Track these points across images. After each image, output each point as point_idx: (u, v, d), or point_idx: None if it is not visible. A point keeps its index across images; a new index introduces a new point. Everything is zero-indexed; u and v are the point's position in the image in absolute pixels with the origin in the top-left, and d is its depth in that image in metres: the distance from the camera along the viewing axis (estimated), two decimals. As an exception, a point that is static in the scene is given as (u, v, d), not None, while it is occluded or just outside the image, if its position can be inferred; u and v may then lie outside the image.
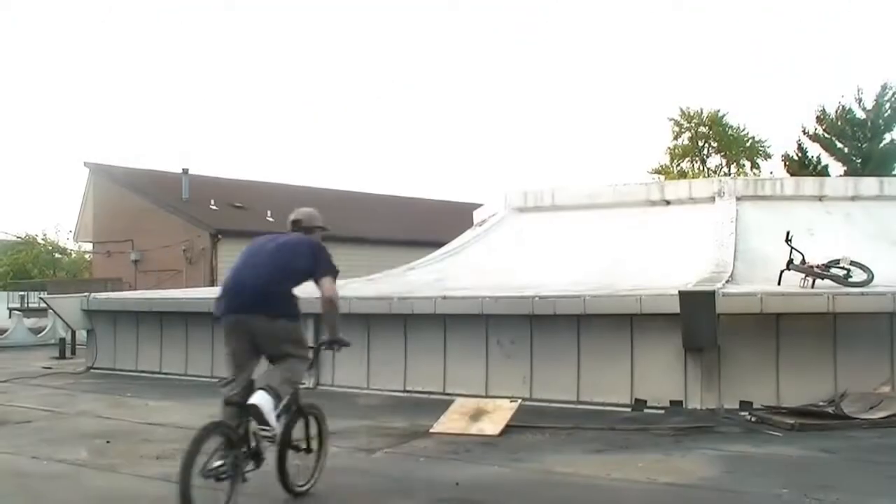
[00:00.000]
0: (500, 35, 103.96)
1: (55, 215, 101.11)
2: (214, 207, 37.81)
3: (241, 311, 7.39)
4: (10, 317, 34.19)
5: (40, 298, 29.12)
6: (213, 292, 21.24)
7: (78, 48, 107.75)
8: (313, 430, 8.08)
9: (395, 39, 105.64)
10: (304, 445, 7.82)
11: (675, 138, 57.53)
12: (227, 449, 6.73)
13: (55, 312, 22.34)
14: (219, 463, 6.61)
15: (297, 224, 8.18)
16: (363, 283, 18.84)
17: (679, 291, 11.83)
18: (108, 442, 10.66)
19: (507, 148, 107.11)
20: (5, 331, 29.27)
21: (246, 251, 7.86)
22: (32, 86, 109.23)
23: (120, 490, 8.48)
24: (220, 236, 35.46)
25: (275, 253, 7.67)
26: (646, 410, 12.46)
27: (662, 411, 12.27)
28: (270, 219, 37.66)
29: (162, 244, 35.93)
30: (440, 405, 12.19)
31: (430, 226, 37.87)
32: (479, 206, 24.13)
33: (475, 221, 23.01)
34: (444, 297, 14.36)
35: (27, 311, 35.84)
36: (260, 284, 7.41)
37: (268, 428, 7.09)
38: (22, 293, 41.71)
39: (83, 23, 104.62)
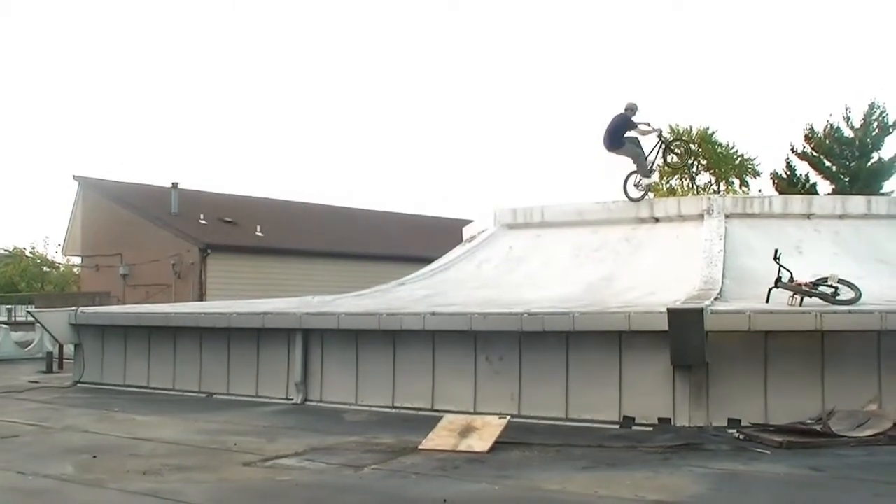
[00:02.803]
0: (489, 52, 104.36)
1: (44, 228, 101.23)
2: (204, 222, 37.78)
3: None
4: (-4, 330, 34.07)
5: (28, 312, 28.97)
6: (202, 307, 21.34)
7: (68, 61, 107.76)
8: None
9: (384, 55, 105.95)
10: None
11: (665, 155, 57.59)
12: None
13: (43, 326, 22.24)
14: None
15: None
16: (352, 299, 18.82)
17: (668, 309, 11.84)
18: (94, 457, 10.62)
19: (497, 164, 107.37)
20: (-8, 344, 29.11)
21: None
22: (22, 99, 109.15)
23: (106, 505, 8.45)
24: (209, 251, 35.45)
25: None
26: (634, 428, 12.44)
27: (651, 429, 12.25)
28: (260, 233, 37.68)
29: (151, 258, 35.89)
30: (428, 421, 12.18)
31: (420, 241, 37.89)
32: (469, 222, 24.12)
33: (465, 237, 22.98)
34: (433, 313, 14.34)
35: (14, 325, 35.69)
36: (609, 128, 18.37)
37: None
38: (9, 307, 41.59)
39: (73, 37, 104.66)
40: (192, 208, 38.02)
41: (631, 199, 18.80)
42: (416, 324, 14.34)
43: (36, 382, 20.47)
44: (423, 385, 14.38)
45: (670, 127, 56.23)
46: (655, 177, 19.04)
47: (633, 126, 18.49)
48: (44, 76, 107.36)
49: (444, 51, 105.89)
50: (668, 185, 56.93)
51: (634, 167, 18.71)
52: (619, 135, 18.37)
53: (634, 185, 18.73)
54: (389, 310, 15.26)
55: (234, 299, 24.33)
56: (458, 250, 21.82)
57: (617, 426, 12.59)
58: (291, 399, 15.77)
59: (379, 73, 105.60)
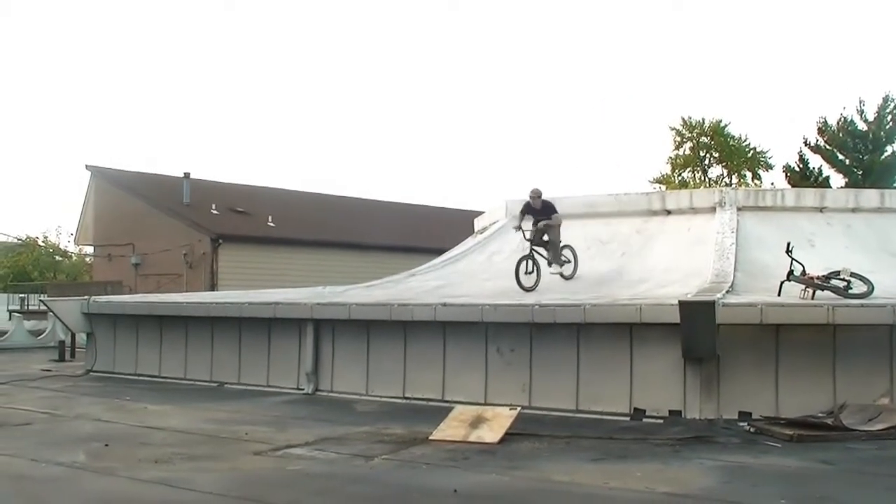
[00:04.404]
0: (501, 42, 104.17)
1: (56, 218, 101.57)
2: (215, 212, 37.82)
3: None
4: (10, 319, 34.34)
5: (41, 301, 29.11)
6: (214, 297, 21.38)
7: (80, 51, 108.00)
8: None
9: (396, 45, 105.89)
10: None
11: (677, 148, 57.49)
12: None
13: (55, 315, 22.37)
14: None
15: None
16: (363, 290, 18.86)
17: (679, 301, 11.83)
18: (106, 445, 10.68)
19: (509, 155, 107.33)
20: (5, 333, 29.30)
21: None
22: (35, 88, 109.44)
23: (117, 493, 8.50)
24: (220, 241, 35.47)
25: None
26: (644, 420, 12.45)
27: (661, 421, 12.26)
28: (271, 224, 37.70)
29: (162, 248, 35.93)
30: (439, 412, 12.20)
31: (431, 232, 37.90)
32: (480, 213, 24.14)
33: (476, 229, 23.03)
34: (444, 304, 14.36)
35: (27, 314, 35.88)
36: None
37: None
38: (22, 295, 41.73)
39: (85, 25, 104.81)
40: (203, 198, 38.06)
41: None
42: (427, 315, 14.37)
43: (48, 371, 20.57)
44: (434, 376, 14.41)
45: (683, 120, 56.33)
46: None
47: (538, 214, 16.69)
48: (57, 67, 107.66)
49: (455, 42, 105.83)
50: (679, 178, 56.91)
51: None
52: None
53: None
54: (400, 300, 15.28)
55: (245, 289, 24.39)
56: (469, 241, 21.87)
57: (627, 418, 12.60)
58: (302, 389, 15.81)
59: (391, 64, 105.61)
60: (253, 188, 42.78)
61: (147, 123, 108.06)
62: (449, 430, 11.20)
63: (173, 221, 36.79)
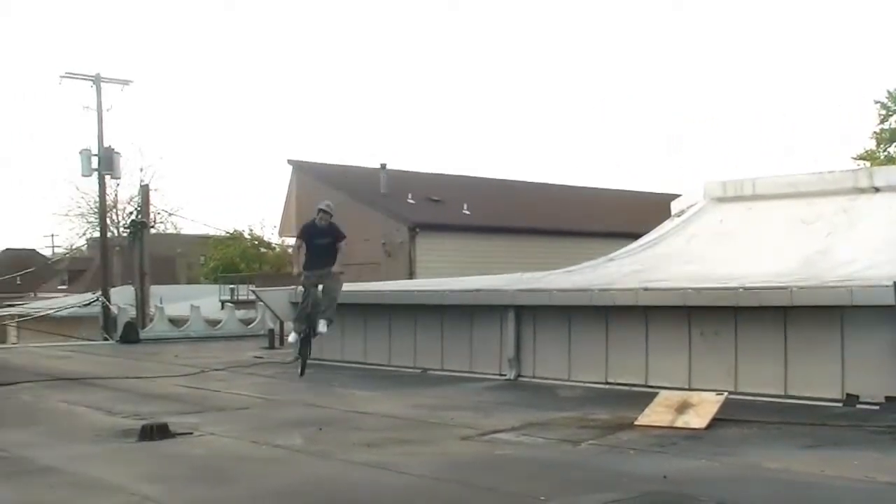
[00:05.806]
0: (694, 23, 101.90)
1: (261, 211, 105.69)
2: (412, 201, 38.52)
3: None
4: (222, 308, 36.02)
5: (252, 291, 30.43)
6: (415, 285, 21.78)
7: (283, 51, 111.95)
8: None
9: (580, 33, 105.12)
10: None
11: (882, 122, 54.96)
12: None
13: (265, 304, 23.32)
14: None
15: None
16: (562, 275, 18.87)
17: (894, 282, 11.36)
18: (320, 429, 11.11)
19: (704, 138, 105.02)
20: (219, 322, 30.80)
21: None
22: (242, 87, 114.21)
23: (334, 475, 8.84)
24: (417, 229, 36.12)
25: None
26: (858, 406, 11.96)
27: (877, 407, 11.74)
28: (466, 212, 38.12)
29: (361, 238, 36.82)
30: (642, 398, 12.10)
31: (627, 217, 37.43)
32: (676, 196, 23.74)
33: (673, 212, 22.62)
34: (646, 289, 14.23)
35: (237, 303, 37.55)
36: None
37: None
38: (232, 286, 43.60)
39: (286, 29, 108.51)
40: (400, 188, 38.81)
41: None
42: (628, 299, 14.29)
43: (260, 358, 21.51)
44: (636, 361, 14.30)
45: (888, 93, 53.79)
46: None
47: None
48: (260, 67, 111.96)
49: (651, 25, 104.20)
50: (885, 153, 54.40)
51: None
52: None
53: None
54: (601, 286, 15.22)
55: (442, 277, 24.80)
56: (666, 225, 21.51)
57: (839, 404, 12.14)
58: (504, 375, 15.97)
59: (584, 52, 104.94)
60: (446, 176, 43.40)
61: (345, 117, 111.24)
62: (654, 415, 11.11)
63: (371, 211, 37.66)
